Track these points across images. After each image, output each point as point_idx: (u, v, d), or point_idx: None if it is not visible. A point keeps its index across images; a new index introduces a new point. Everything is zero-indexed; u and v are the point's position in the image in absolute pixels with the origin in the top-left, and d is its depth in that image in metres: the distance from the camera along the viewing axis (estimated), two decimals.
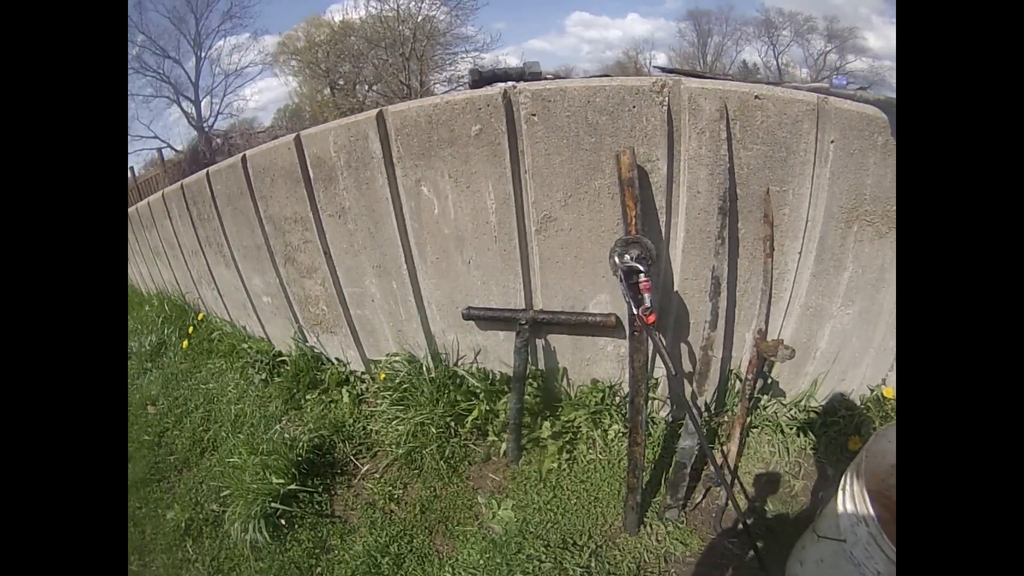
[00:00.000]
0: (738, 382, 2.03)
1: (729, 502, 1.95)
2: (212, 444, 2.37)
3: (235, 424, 2.36)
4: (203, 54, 18.76)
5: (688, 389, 1.83)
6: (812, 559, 1.73)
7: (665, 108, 1.54)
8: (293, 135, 2.09)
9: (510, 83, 1.76)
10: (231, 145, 16.82)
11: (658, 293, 1.78)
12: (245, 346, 2.59)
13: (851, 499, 1.31)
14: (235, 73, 19.35)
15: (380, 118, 1.85)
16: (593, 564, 1.79)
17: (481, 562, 1.84)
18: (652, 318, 1.45)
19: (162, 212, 3.20)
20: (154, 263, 4.07)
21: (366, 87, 18.30)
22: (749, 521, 1.88)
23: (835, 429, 2.10)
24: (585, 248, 1.73)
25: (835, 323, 1.92)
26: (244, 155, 2.25)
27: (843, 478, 1.38)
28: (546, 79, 1.84)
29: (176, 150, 18.75)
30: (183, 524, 2.20)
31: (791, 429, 2.08)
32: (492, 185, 1.74)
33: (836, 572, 1.55)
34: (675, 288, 1.77)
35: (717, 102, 1.50)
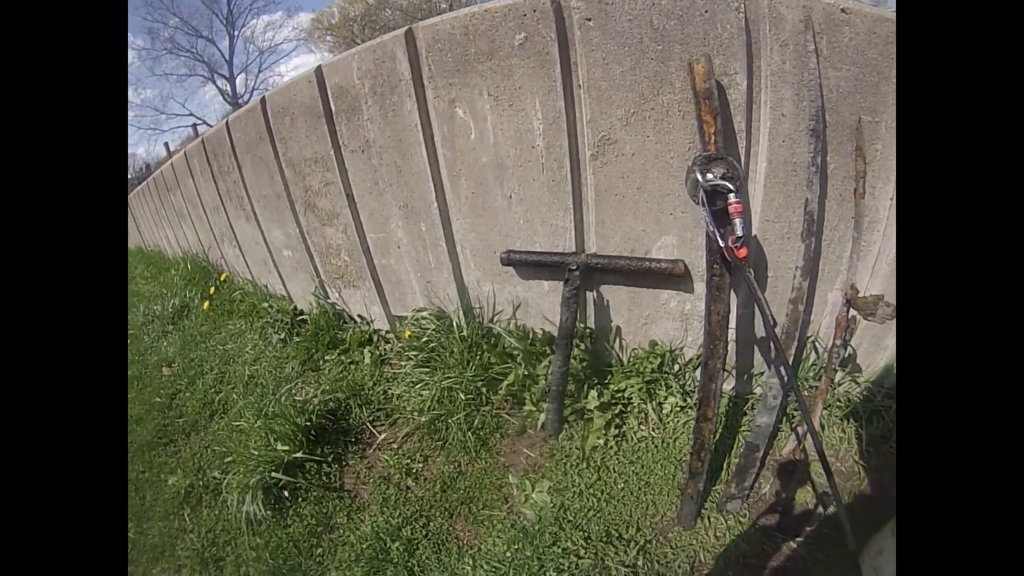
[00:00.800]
0: (814, 352, 1.71)
1: (791, 497, 1.63)
2: (223, 407, 2.18)
3: (248, 386, 2.16)
4: (236, 32, 19.18)
5: (771, 353, 1.51)
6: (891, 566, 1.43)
7: (742, 15, 1.28)
8: (312, 69, 1.89)
9: None
10: None
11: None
12: (265, 305, 2.40)
13: None
14: (269, 50, 20.06)
15: (409, 35, 1.63)
16: (640, 563, 1.50)
17: (508, 555, 1.57)
18: (744, 251, 1.17)
19: (185, 172, 3.09)
20: (179, 226, 4.00)
21: None
22: (809, 527, 1.55)
23: None
24: (650, 178, 1.44)
25: None
26: (263, 97, 2.07)
27: None
28: None
29: (211, 126, 19.26)
30: (183, 491, 2.01)
31: (866, 412, 1.74)
32: (539, 102, 1.47)
33: None
34: (753, 231, 1.46)
35: (801, 11, 1.26)
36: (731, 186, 1.16)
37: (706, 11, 1.29)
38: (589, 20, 1.38)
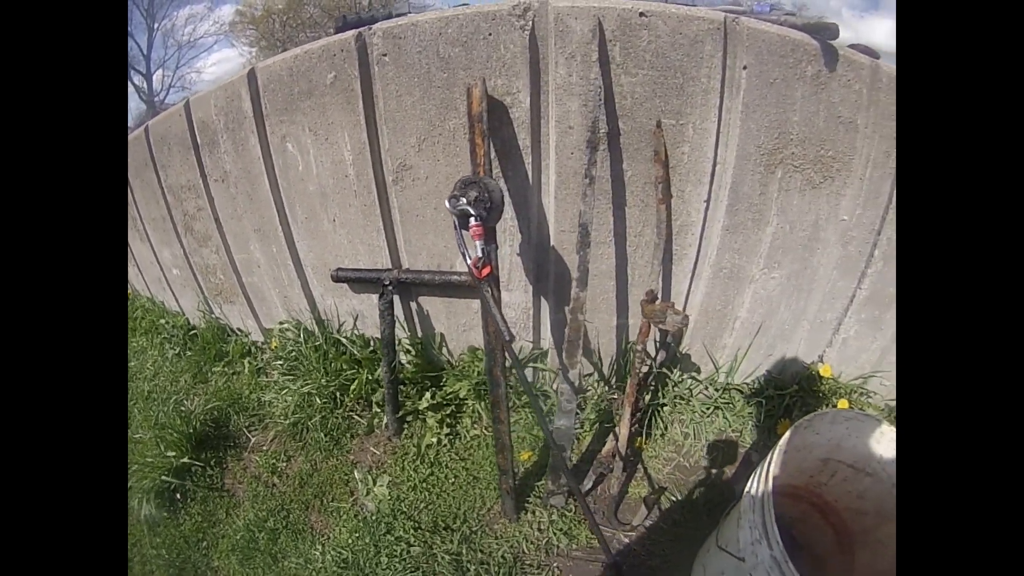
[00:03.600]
0: (648, 358, 1.82)
1: (623, 492, 1.75)
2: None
3: (147, 400, 2.34)
4: (157, 25, 17.84)
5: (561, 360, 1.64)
6: (714, 570, 1.53)
7: (527, 33, 1.37)
8: (183, 101, 2.03)
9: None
10: None
11: (532, 248, 1.60)
12: (163, 321, 2.57)
13: (754, 509, 1.09)
14: (189, 44, 18.47)
15: (251, 75, 1.75)
16: (464, 551, 1.65)
17: (350, 541, 1.74)
18: (486, 271, 1.28)
19: None
20: None
21: None
22: (646, 520, 1.67)
23: (763, 411, 1.85)
24: (444, 197, 1.57)
25: (757, 288, 1.70)
26: (147, 125, 2.21)
27: (749, 480, 1.19)
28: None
29: None
30: None
31: (708, 409, 1.85)
32: (348, 135, 1.61)
33: None
34: (552, 242, 1.59)
35: (590, 21, 1.32)
36: (473, 212, 1.27)
37: (490, 34, 1.38)
38: (385, 56, 1.50)
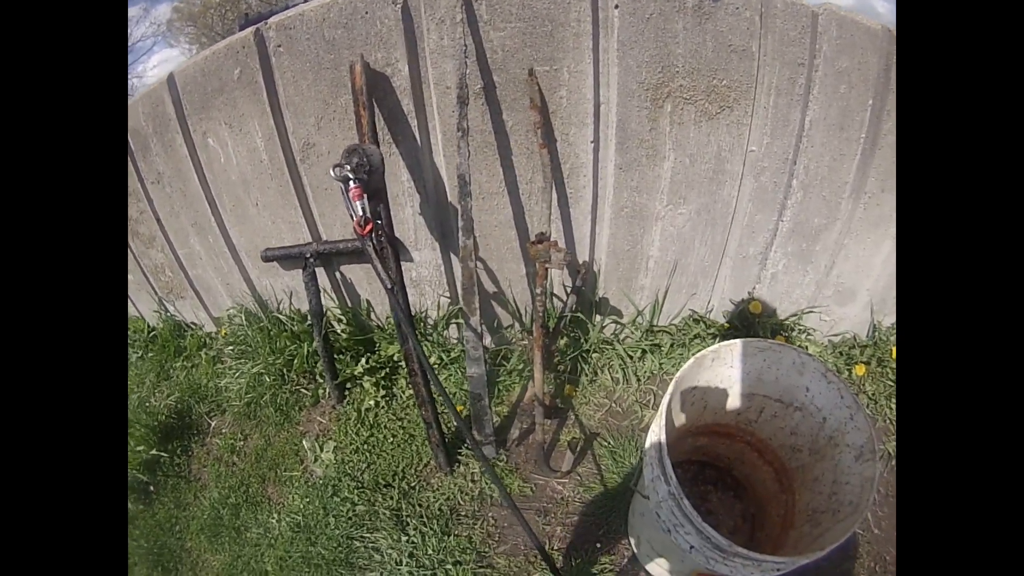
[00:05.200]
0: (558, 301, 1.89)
1: (553, 440, 1.82)
2: None
3: None
4: None
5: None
6: (636, 511, 1.56)
7: (399, 6, 1.46)
8: None
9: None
10: None
11: (431, 206, 1.69)
12: None
13: (653, 447, 1.11)
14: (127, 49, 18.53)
15: (171, 80, 1.85)
16: (404, 506, 1.75)
17: (302, 506, 1.85)
18: (368, 227, 1.36)
19: None
20: None
21: None
22: (576, 466, 1.73)
23: (693, 351, 1.90)
24: None
25: (665, 225, 1.75)
26: None
27: (655, 414, 1.19)
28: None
29: None
30: None
31: (636, 353, 1.92)
32: (258, 124, 1.71)
33: (656, 534, 1.35)
34: (449, 199, 1.67)
35: None
36: (351, 176, 1.36)
37: (366, 12, 1.47)
38: (280, 47, 1.60)
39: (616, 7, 1.40)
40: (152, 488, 2.15)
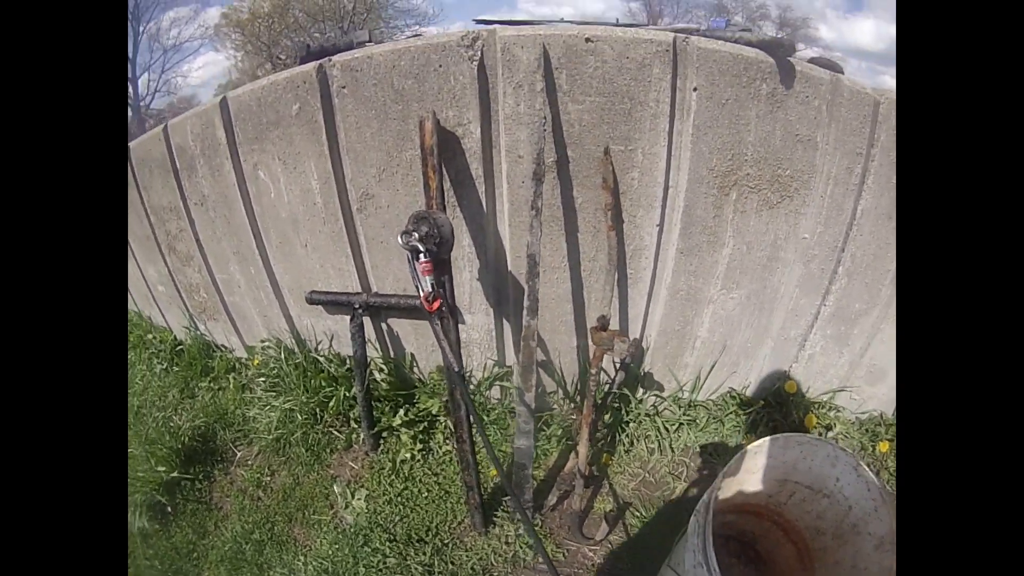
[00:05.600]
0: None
1: (588, 508, 1.80)
2: None
3: (137, 415, 2.43)
4: (142, 28, 17.58)
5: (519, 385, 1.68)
6: None
7: (476, 64, 1.40)
8: (162, 126, 2.08)
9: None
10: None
11: (490, 273, 1.64)
12: (150, 336, 2.65)
13: (696, 533, 1.12)
14: (173, 48, 18.24)
15: (223, 104, 1.79)
16: (436, 563, 1.72)
17: (331, 553, 1.81)
18: (436, 304, 1.32)
19: None
20: None
21: None
22: (609, 535, 1.71)
23: (728, 427, 1.89)
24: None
25: (716, 308, 1.72)
26: (128, 146, 2.28)
27: (699, 504, 1.21)
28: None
29: None
30: None
31: (673, 426, 1.89)
32: (314, 165, 1.66)
33: None
34: (509, 268, 1.63)
35: (536, 50, 1.33)
36: (421, 248, 1.31)
37: (440, 66, 1.41)
38: (344, 88, 1.54)
39: (695, 90, 1.36)
40: (170, 510, 2.13)
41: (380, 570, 1.74)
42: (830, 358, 1.86)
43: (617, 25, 1.46)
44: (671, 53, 1.32)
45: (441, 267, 1.44)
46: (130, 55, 17.87)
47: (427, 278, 1.30)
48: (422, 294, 1.32)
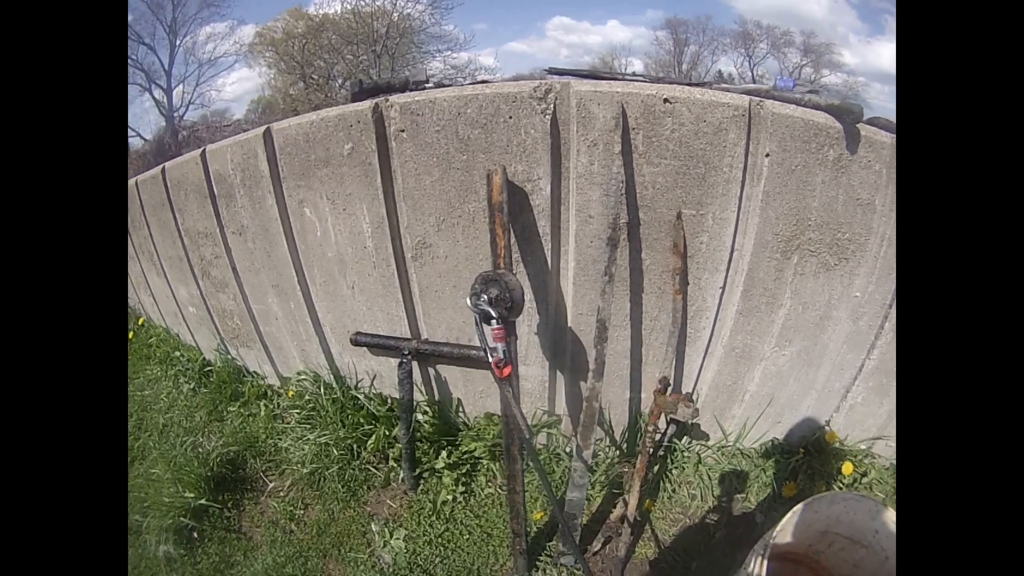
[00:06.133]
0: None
1: (629, 554, 1.81)
2: (141, 453, 2.41)
3: (162, 434, 2.39)
4: (178, 42, 18.33)
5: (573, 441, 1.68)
6: None
7: (548, 118, 1.36)
8: (200, 151, 2.02)
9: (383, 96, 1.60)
10: (197, 137, 16.45)
11: (549, 328, 1.63)
12: (178, 354, 2.61)
13: None
14: (209, 62, 18.85)
15: (267, 135, 1.74)
16: None
17: None
18: (507, 371, 1.30)
19: None
20: None
21: (338, 83, 17.93)
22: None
23: (769, 474, 1.90)
24: (463, 277, 1.60)
25: (767, 365, 1.73)
26: (164, 167, 2.21)
27: (750, 554, 1.25)
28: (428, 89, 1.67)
29: (145, 139, 18.60)
30: None
31: (715, 473, 1.90)
32: (367, 208, 1.62)
33: None
34: (569, 324, 1.61)
35: (613, 108, 1.29)
36: (494, 313, 1.29)
37: (510, 117, 1.37)
38: (403, 131, 1.50)
39: (767, 155, 1.34)
40: (196, 535, 2.11)
41: None
42: (870, 408, 1.87)
43: (690, 84, 1.43)
44: (746, 118, 1.30)
45: (508, 329, 1.42)
46: (166, 66, 18.48)
47: (499, 344, 1.28)
48: (492, 359, 1.29)
